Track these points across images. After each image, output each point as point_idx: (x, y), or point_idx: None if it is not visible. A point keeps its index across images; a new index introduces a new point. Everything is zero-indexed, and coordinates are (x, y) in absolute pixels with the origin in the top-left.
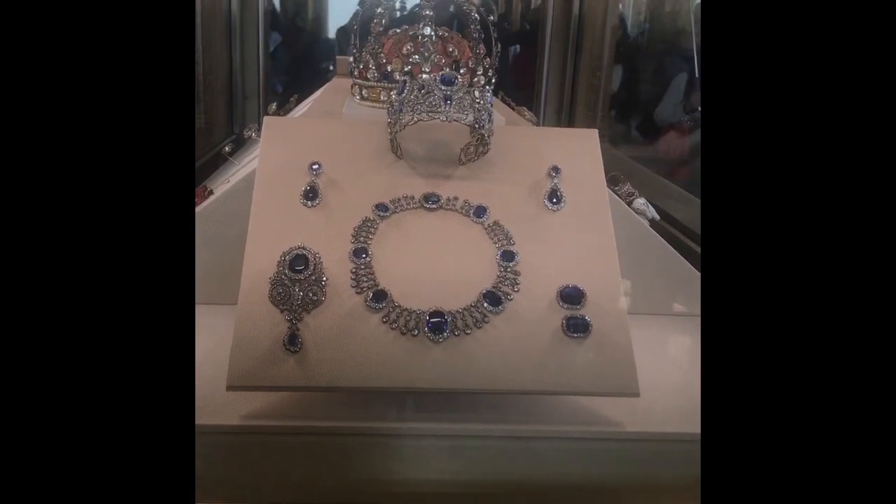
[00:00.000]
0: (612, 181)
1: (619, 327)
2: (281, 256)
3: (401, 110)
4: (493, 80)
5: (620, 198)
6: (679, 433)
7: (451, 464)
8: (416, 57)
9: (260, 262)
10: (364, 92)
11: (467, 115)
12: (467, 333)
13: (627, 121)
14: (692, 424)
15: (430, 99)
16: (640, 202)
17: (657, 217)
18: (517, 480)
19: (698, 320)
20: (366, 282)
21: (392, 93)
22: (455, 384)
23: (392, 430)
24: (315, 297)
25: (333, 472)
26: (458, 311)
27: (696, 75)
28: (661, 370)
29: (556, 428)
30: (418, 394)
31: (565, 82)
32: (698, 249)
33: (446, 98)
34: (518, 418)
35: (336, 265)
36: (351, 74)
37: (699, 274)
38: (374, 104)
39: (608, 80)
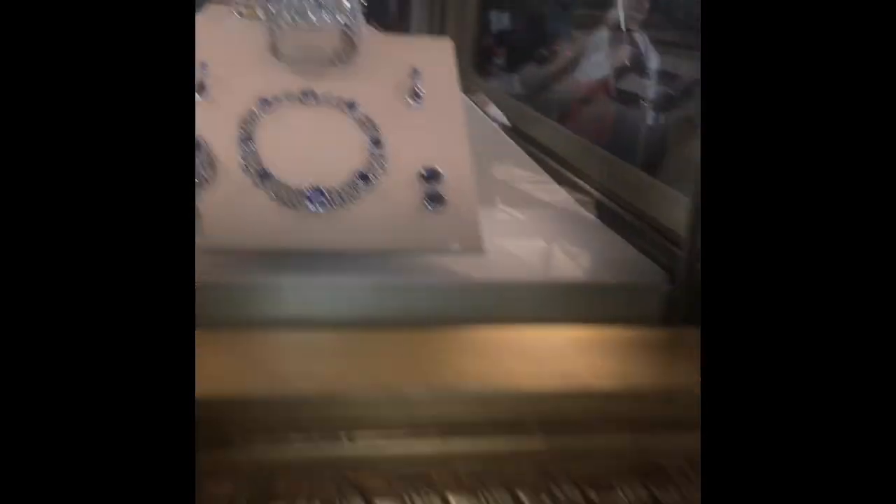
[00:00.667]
0: (468, 90)
1: (468, 201)
2: None
3: (279, 15)
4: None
5: (475, 104)
6: (513, 281)
7: (331, 310)
8: None
9: None
10: (243, 11)
11: (339, 20)
12: (342, 206)
13: (516, 67)
14: (527, 274)
15: (306, 5)
16: (492, 109)
17: (507, 124)
18: (388, 322)
19: (539, 208)
20: (252, 165)
21: (269, 4)
22: (333, 245)
23: (279, 284)
24: (207, 177)
25: (228, 317)
26: (334, 188)
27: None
28: (503, 239)
29: (418, 280)
30: (301, 255)
31: (433, 22)
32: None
33: (319, 5)
34: (386, 273)
35: (225, 151)
36: None
37: (539, 167)
38: (254, 19)
39: (477, 24)
